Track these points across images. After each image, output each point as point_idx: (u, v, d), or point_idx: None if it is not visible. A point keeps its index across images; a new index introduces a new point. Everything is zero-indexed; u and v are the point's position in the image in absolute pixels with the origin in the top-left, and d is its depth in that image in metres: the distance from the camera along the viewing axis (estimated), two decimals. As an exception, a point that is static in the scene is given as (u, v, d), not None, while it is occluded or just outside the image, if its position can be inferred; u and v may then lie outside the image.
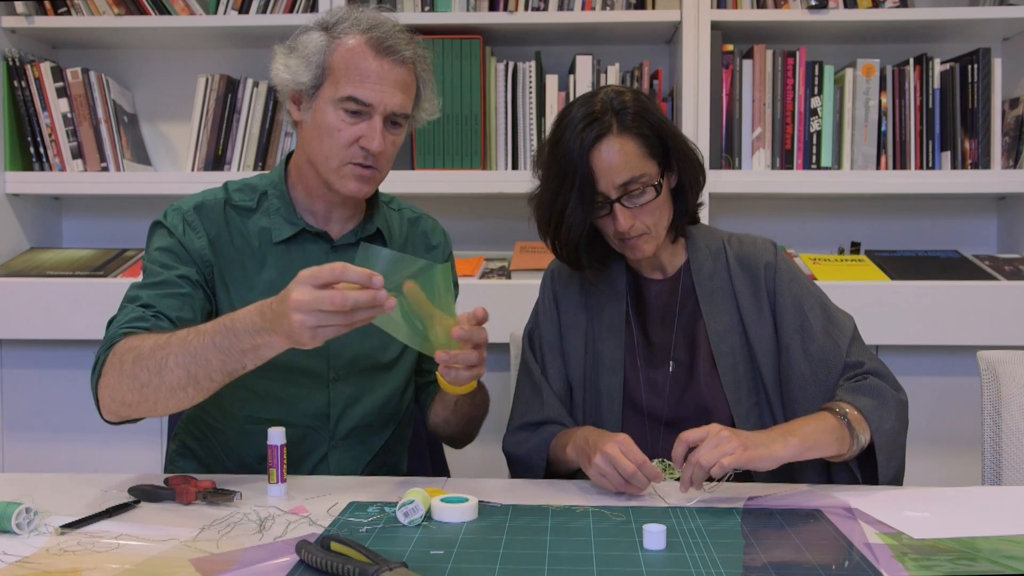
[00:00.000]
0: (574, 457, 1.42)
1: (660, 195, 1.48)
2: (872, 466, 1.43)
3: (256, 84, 2.45)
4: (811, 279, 1.63)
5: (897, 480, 1.47)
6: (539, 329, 1.62)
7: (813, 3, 2.32)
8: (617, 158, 1.44)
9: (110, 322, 1.40)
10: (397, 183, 2.04)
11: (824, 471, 1.50)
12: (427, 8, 2.37)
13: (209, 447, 1.60)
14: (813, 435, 1.36)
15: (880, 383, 1.46)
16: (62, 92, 2.43)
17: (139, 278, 2.19)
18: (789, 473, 1.50)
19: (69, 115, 2.43)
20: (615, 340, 1.57)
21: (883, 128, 2.36)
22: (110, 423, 1.37)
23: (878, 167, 2.36)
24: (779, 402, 1.51)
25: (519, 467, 1.55)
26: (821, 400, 1.47)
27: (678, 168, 1.52)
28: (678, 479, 1.32)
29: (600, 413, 1.55)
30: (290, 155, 1.56)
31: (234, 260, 1.50)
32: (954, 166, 2.35)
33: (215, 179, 2.39)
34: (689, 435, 1.30)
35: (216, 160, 2.45)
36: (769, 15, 2.34)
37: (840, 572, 1.03)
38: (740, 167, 2.36)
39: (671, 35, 2.46)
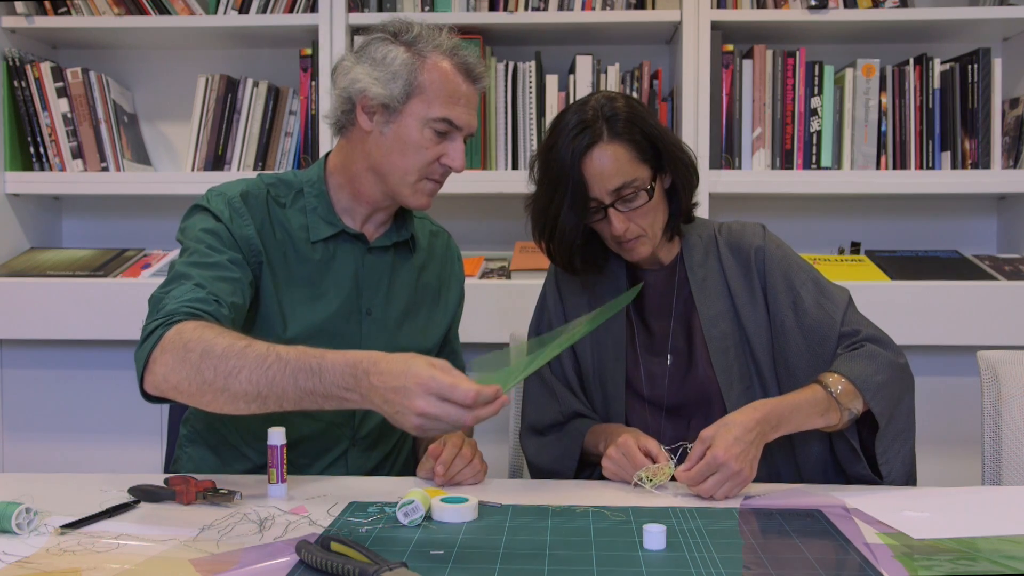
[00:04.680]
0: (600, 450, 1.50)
1: (653, 198, 1.51)
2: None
3: (256, 84, 2.45)
4: (799, 255, 1.66)
5: (907, 457, 1.48)
6: (548, 320, 1.65)
7: (813, 3, 2.32)
8: (608, 164, 1.46)
9: (159, 296, 1.37)
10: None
11: (828, 448, 1.52)
12: (427, 8, 2.37)
13: (223, 435, 1.59)
14: (800, 420, 1.40)
15: (876, 348, 1.47)
16: (62, 92, 2.43)
17: (139, 276, 2.21)
18: (793, 457, 1.53)
19: (69, 115, 2.43)
20: (617, 331, 1.60)
21: (883, 128, 2.36)
22: (147, 395, 1.33)
23: (878, 167, 2.36)
24: (774, 385, 1.54)
25: (545, 475, 1.57)
26: (818, 372, 1.48)
27: (671, 171, 1.54)
28: (673, 479, 1.37)
29: (606, 401, 1.58)
30: (327, 155, 1.58)
31: (276, 251, 1.51)
32: (954, 166, 2.35)
33: (215, 179, 2.39)
34: (696, 477, 1.32)
35: (216, 160, 2.45)
36: (769, 15, 2.34)
37: (839, 572, 1.03)
38: (740, 167, 2.36)
39: (671, 35, 2.46)
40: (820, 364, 1.49)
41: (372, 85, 1.44)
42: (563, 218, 1.49)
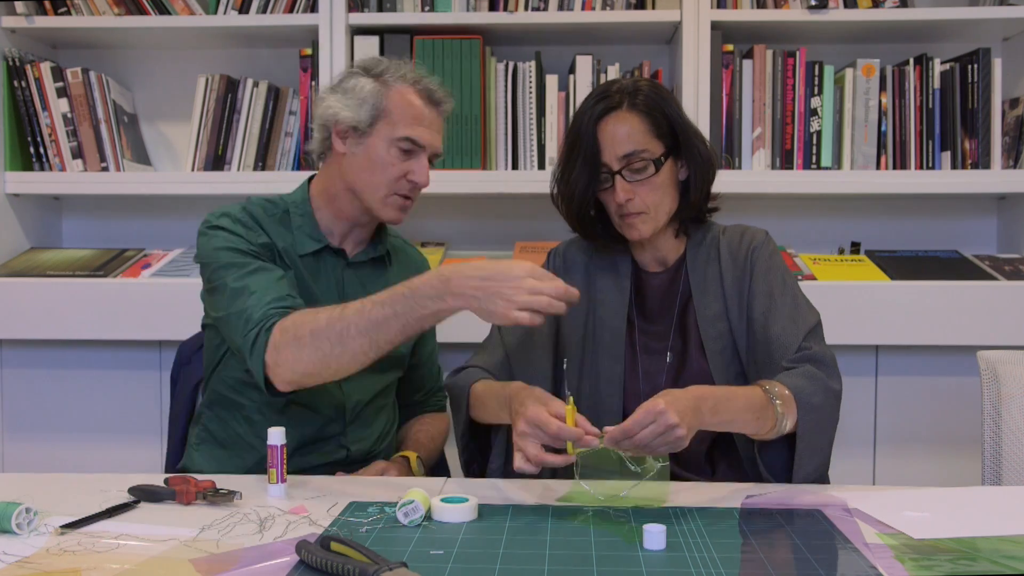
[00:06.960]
0: (495, 407, 1.46)
1: (660, 173, 1.53)
2: (791, 457, 1.45)
3: (256, 84, 2.45)
4: (790, 270, 1.66)
5: (821, 476, 1.48)
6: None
7: (813, 3, 2.32)
8: (622, 130, 1.52)
9: (236, 313, 1.48)
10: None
11: (738, 467, 1.53)
12: (427, 8, 2.37)
13: (238, 434, 1.64)
14: (735, 412, 1.37)
15: (815, 370, 1.47)
16: (62, 92, 2.43)
17: (139, 276, 2.21)
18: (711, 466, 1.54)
19: (69, 115, 2.43)
20: (617, 328, 1.61)
21: (883, 128, 2.36)
22: (279, 393, 1.47)
23: (878, 167, 2.36)
24: None
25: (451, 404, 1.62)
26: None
27: (686, 159, 1.57)
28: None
29: (600, 397, 1.59)
30: (310, 179, 1.72)
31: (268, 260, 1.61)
32: (954, 166, 2.35)
33: (215, 179, 2.41)
34: (632, 427, 1.25)
35: (216, 160, 2.45)
36: (769, 15, 2.34)
37: (839, 572, 1.03)
38: (740, 167, 2.36)
39: (671, 35, 2.46)
40: (773, 373, 1.49)
41: (343, 110, 1.60)
42: (574, 178, 1.55)
